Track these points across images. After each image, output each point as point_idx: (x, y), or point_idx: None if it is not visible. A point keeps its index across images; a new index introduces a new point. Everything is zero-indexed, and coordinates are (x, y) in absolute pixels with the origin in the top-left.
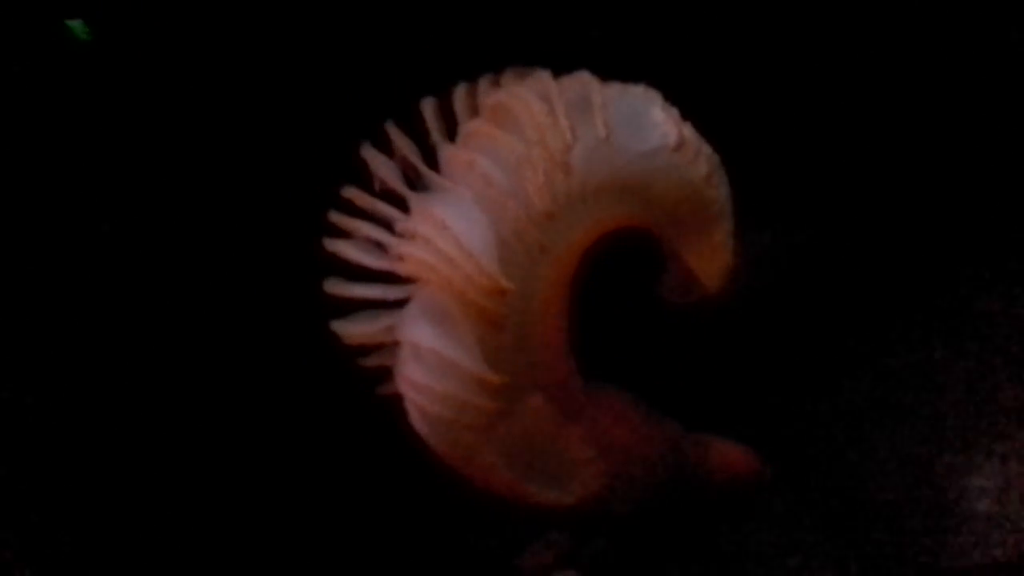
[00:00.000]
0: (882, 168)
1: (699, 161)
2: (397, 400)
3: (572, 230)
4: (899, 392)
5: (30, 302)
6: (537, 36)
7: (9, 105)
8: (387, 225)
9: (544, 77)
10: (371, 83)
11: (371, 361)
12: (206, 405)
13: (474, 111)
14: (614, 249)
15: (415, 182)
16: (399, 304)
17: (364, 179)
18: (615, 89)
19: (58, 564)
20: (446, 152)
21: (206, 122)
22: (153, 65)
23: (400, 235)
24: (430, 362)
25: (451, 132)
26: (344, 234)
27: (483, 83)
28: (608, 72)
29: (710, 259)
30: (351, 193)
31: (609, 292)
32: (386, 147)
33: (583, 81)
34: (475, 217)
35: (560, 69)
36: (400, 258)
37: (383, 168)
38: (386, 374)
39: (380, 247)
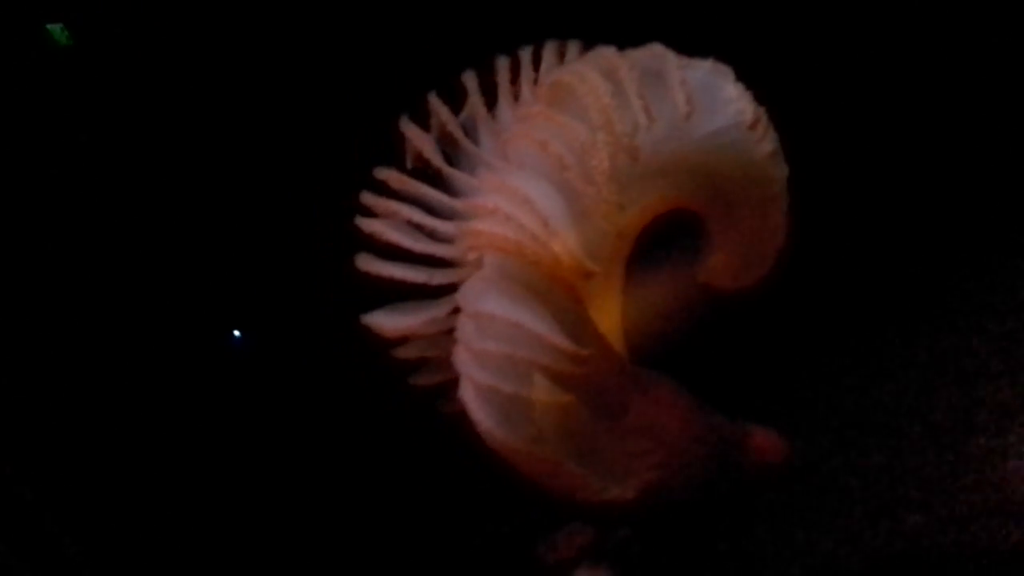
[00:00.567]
0: (884, 163)
1: (768, 138)
2: (432, 391)
3: (631, 211)
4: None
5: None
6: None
7: None
8: (428, 208)
9: (608, 53)
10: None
11: (409, 353)
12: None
13: (518, 86)
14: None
15: (453, 159)
16: (442, 291)
17: (398, 154)
18: (686, 63)
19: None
20: (510, 132)
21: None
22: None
23: (448, 215)
24: (505, 335)
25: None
26: (377, 216)
27: (530, 57)
28: None
29: (764, 241)
30: (386, 175)
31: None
32: (423, 122)
33: (656, 54)
34: (555, 197)
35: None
36: (465, 235)
37: (423, 143)
38: (423, 367)
39: (420, 231)
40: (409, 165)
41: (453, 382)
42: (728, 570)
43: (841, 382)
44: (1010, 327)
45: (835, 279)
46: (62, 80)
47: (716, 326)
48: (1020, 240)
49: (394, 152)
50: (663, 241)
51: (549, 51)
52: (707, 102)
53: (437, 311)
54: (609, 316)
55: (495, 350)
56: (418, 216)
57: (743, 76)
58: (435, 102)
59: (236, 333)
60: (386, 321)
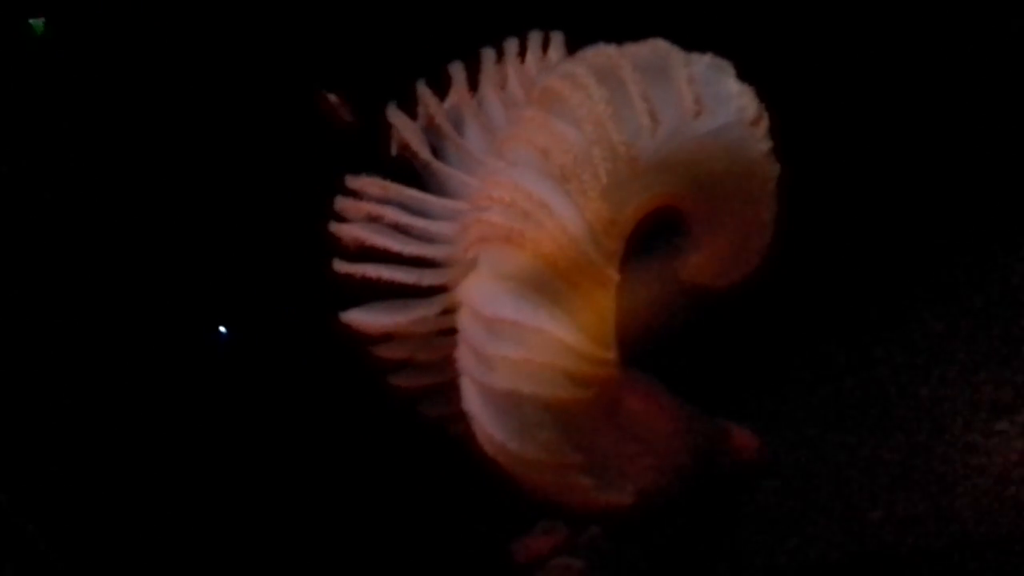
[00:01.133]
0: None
1: (766, 136)
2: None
3: (624, 213)
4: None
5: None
6: None
7: None
8: (414, 209)
9: (608, 51)
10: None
11: (392, 352)
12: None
13: (504, 78)
14: None
15: (439, 150)
16: (430, 291)
17: (383, 145)
18: (686, 58)
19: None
20: (506, 133)
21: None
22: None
23: (438, 215)
24: (523, 339)
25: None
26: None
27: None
28: None
29: (750, 240)
30: (362, 182)
31: None
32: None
33: (659, 50)
34: (559, 193)
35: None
36: (465, 228)
37: (411, 134)
38: (408, 368)
39: (406, 232)
40: (393, 153)
41: (442, 385)
42: (695, 564)
43: (806, 379)
44: (977, 324)
45: (800, 275)
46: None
47: (691, 323)
48: (988, 237)
49: (377, 146)
50: (643, 238)
51: (535, 43)
52: (709, 99)
53: (426, 310)
54: (603, 316)
55: (513, 355)
56: (405, 218)
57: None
58: (423, 91)
59: (222, 329)
60: (367, 318)
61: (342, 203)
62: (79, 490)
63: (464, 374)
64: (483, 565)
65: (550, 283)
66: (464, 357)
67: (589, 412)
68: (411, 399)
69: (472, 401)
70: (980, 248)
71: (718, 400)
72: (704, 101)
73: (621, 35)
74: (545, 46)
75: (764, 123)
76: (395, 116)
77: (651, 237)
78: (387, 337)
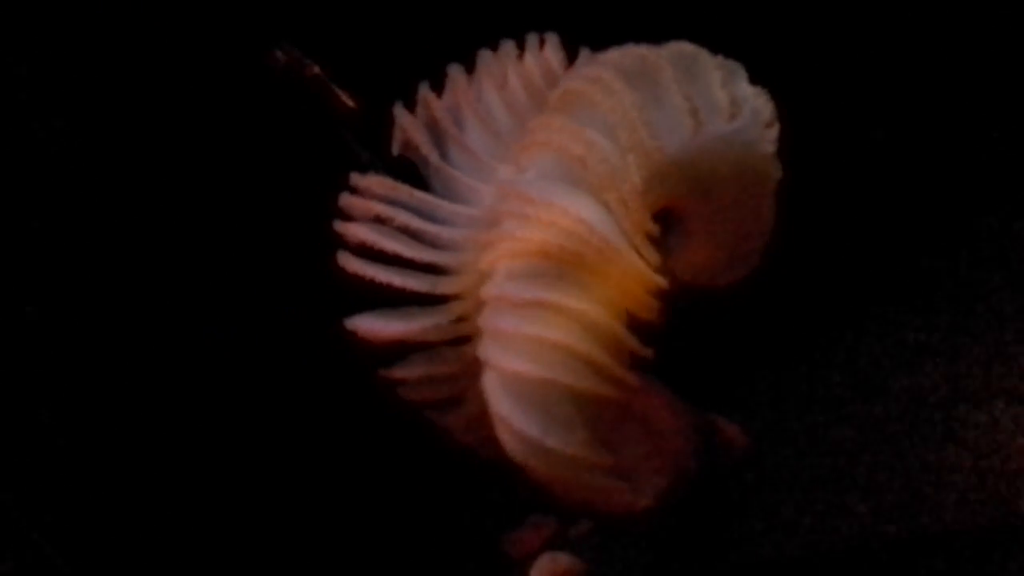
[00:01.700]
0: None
1: (775, 138)
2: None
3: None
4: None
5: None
6: None
7: None
8: (424, 213)
9: (641, 51)
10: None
11: (408, 372)
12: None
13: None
14: None
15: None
16: (441, 299)
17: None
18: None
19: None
20: (529, 139)
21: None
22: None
23: (449, 221)
24: (545, 318)
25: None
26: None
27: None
28: None
29: (749, 240)
30: (371, 180)
31: None
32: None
33: (687, 52)
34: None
35: None
36: (488, 241)
37: (418, 135)
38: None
39: (416, 237)
40: (395, 152)
41: (453, 397)
42: (683, 556)
43: (791, 372)
44: (955, 315)
45: (783, 268)
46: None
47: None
48: (962, 236)
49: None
50: None
51: (532, 44)
52: (722, 103)
53: (439, 318)
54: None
55: (544, 335)
56: (416, 222)
57: None
58: (424, 90)
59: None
60: (376, 325)
61: (347, 201)
62: (79, 488)
63: (490, 370)
64: (474, 559)
65: (587, 284)
66: (490, 351)
67: (613, 411)
68: (417, 407)
69: (500, 401)
70: (956, 245)
71: (702, 393)
72: (740, 104)
73: (612, 37)
74: (542, 47)
75: (776, 126)
76: (401, 116)
77: None
78: (397, 345)
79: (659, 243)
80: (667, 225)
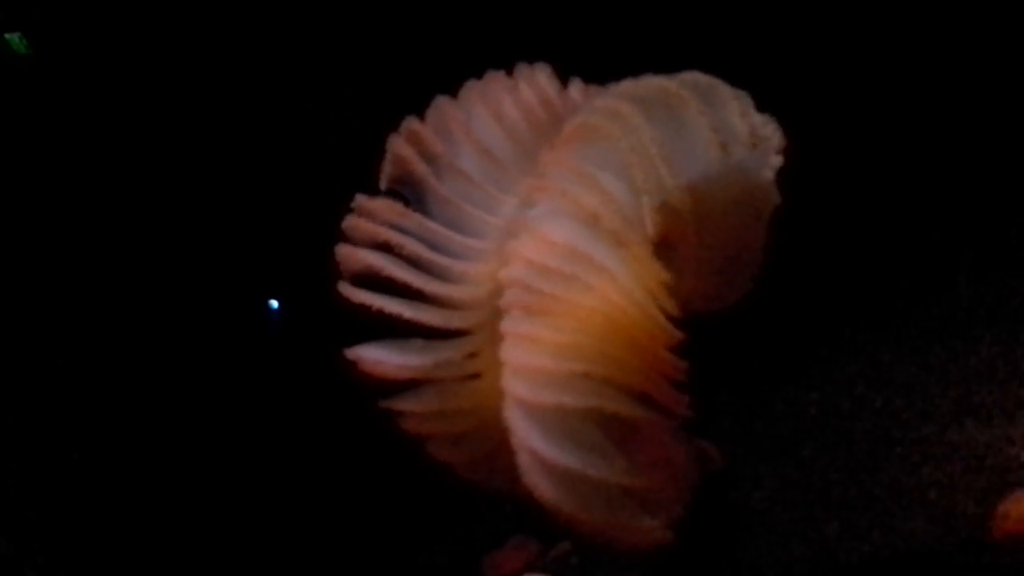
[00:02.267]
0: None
1: (779, 163)
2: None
3: None
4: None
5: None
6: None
7: None
8: (431, 244)
9: (658, 82)
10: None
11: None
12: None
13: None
14: None
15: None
16: (450, 335)
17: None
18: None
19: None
20: (540, 179)
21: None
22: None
23: (458, 254)
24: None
25: None
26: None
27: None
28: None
29: (745, 264)
30: (379, 204)
31: None
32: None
33: (702, 83)
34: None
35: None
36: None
37: (415, 165)
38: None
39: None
40: (385, 184)
41: (461, 433)
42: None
43: (763, 394)
44: (926, 340)
45: (760, 291)
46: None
47: None
48: (943, 258)
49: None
50: None
51: (524, 73)
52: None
53: (450, 353)
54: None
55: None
56: (426, 253)
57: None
58: (411, 122)
59: (273, 303)
60: (384, 358)
61: (353, 224)
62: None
63: (515, 405)
64: None
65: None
66: (514, 385)
67: (635, 438)
68: (418, 440)
69: (529, 435)
70: (929, 268)
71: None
72: (762, 134)
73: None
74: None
75: (781, 154)
76: (396, 145)
77: None
78: (405, 379)
79: None
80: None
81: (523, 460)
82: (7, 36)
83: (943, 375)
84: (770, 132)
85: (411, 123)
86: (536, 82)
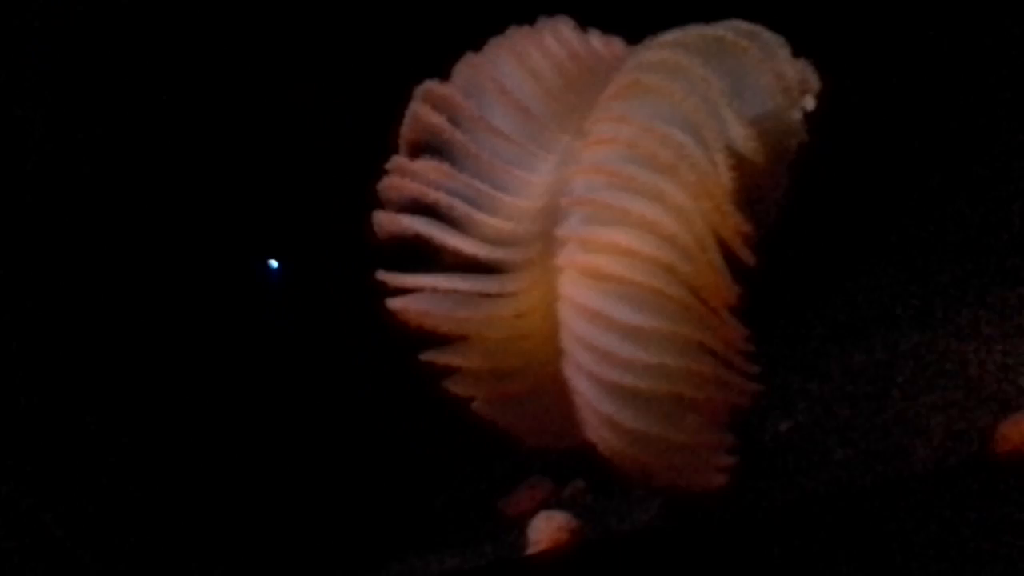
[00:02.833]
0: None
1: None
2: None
3: None
4: None
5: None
6: None
7: None
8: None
9: (714, 32)
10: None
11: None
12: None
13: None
14: None
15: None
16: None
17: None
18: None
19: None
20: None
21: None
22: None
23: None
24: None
25: None
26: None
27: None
28: None
29: (767, 205)
30: (421, 165)
31: None
32: None
33: (753, 29)
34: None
35: None
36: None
37: (436, 120)
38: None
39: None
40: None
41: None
42: (667, 509)
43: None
44: (932, 268)
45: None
46: None
47: None
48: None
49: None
50: None
51: (550, 26)
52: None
53: (499, 310)
54: None
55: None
56: (475, 214)
57: None
58: (430, 84)
59: (273, 263)
60: (434, 308)
61: (392, 184)
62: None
63: (583, 374)
64: (475, 520)
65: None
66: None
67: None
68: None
69: (602, 401)
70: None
71: None
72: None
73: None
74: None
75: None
76: (418, 107)
77: None
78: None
79: None
80: None
81: (589, 419)
82: None
83: (943, 304)
84: (811, 76)
85: (433, 87)
86: (561, 34)
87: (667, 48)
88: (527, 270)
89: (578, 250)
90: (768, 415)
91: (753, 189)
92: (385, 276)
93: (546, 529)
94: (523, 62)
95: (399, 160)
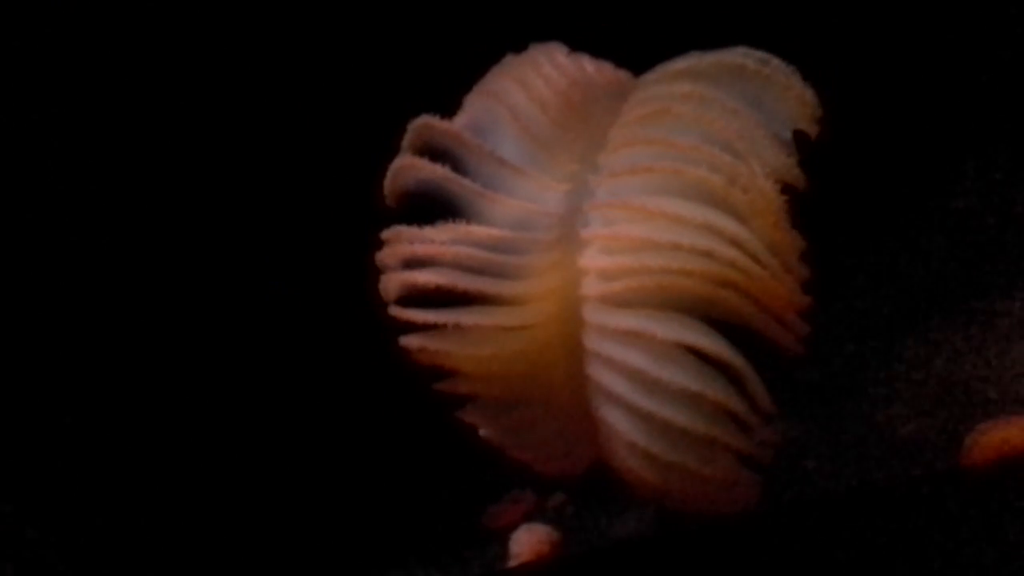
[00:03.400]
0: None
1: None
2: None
3: None
4: None
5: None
6: None
7: None
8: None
9: (735, 59)
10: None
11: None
12: None
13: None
14: None
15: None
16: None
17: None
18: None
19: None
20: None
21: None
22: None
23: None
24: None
25: None
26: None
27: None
28: None
29: None
30: (431, 232)
31: None
32: None
33: (763, 55)
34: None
35: None
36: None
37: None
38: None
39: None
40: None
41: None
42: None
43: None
44: (901, 281)
45: None
46: None
47: None
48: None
49: None
50: None
51: (542, 52)
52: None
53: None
54: None
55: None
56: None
57: None
58: (426, 119)
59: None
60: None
61: (395, 253)
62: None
63: (612, 403)
64: (457, 533)
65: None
66: (610, 381)
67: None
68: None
69: (631, 431)
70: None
71: None
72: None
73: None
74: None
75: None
76: (410, 161)
77: None
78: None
79: None
80: None
81: (618, 450)
82: None
83: (914, 315)
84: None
85: (424, 120)
86: (558, 61)
87: (688, 78)
88: (545, 301)
89: (600, 281)
90: None
91: None
92: (399, 312)
93: (527, 542)
94: (529, 91)
95: (398, 230)
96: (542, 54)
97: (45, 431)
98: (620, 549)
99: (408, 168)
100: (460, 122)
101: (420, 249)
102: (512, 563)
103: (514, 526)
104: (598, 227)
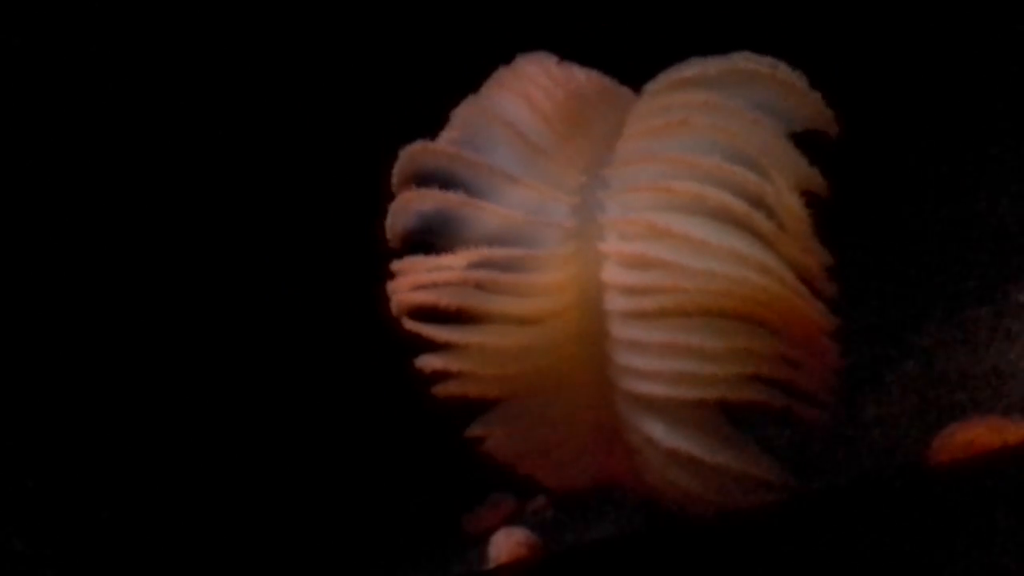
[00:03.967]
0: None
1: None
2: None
3: None
4: None
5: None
6: None
7: None
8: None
9: (746, 65)
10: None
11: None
12: None
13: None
14: None
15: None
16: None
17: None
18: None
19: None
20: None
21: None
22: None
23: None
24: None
25: None
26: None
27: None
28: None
29: None
30: (450, 260)
31: None
32: None
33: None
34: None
35: None
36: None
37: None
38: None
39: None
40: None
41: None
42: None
43: None
44: (872, 282)
45: None
46: None
47: None
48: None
49: None
50: None
51: (535, 62)
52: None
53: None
54: None
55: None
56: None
57: None
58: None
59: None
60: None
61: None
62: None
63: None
64: (437, 537)
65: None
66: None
67: None
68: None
69: (668, 436)
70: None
71: None
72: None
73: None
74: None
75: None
76: (418, 198)
77: None
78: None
79: None
80: None
81: (653, 460)
82: None
83: (887, 319)
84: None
85: (416, 147)
86: (551, 70)
87: (700, 86)
88: (563, 315)
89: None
90: None
91: None
92: (416, 327)
93: (505, 545)
94: (529, 103)
95: (410, 261)
96: (534, 64)
97: (47, 431)
98: (597, 551)
99: (406, 205)
100: (451, 137)
101: (436, 277)
102: (490, 566)
103: (494, 530)
104: (617, 242)
